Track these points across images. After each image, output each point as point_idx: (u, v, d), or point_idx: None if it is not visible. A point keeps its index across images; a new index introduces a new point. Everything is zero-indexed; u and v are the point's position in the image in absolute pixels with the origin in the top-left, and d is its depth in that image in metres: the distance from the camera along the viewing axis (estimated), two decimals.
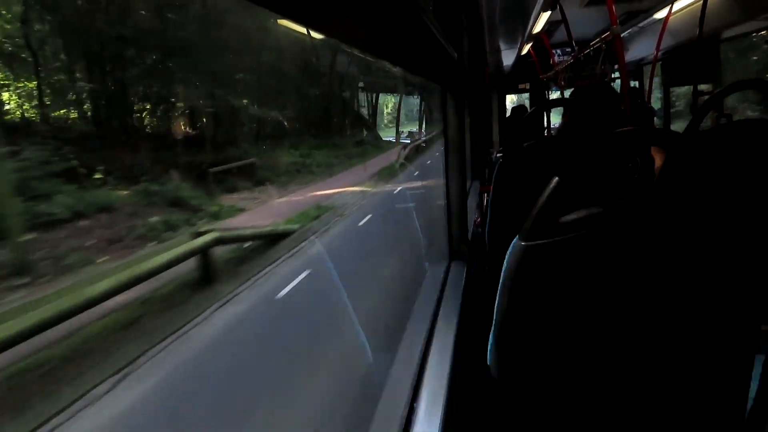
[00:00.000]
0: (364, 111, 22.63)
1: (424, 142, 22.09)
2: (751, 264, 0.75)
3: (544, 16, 4.03)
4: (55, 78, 9.63)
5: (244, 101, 13.48)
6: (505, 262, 0.80)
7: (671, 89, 5.75)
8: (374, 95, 23.42)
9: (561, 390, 0.82)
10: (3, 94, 8.74)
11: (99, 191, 7.75)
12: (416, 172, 16.52)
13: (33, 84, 9.07)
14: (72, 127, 9.16)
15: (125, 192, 8.14)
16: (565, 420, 0.83)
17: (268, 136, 14.14)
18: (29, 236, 6.04)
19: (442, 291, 1.53)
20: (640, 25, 5.14)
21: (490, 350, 0.85)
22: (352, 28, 0.54)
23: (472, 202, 2.91)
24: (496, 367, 0.84)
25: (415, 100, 27.54)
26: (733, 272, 0.76)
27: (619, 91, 5.31)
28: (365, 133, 20.84)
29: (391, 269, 7.15)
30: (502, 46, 6.01)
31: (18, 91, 8.99)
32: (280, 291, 6.51)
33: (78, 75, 9.87)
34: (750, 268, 0.76)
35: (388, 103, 28.99)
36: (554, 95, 8.49)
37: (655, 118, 5.50)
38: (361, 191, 13.51)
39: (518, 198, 1.58)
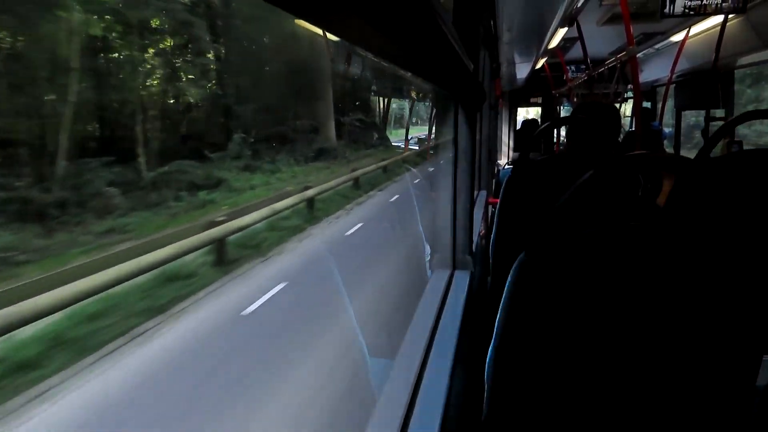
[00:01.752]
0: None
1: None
2: (756, 293, 0.75)
3: (561, 32, 4.03)
4: None
5: None
6: (509, 277, 0.80)
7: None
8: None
9: (559, 409, 0.81)
10: None
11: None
12: None
13: None
14: None
15: None
16: None
17: None
18: None
19: (443, 300, 1.52)
20: (656, 46, 5.13)
21: (489, 363, 0.85)
22: (370, 33, 0.54)
23: (478, 213, 2.91)
24: (494, 382, 0.84)
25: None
26: (736, 301, 0.75)
27: (630, 111, 5.30)
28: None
29: None
30: (517, 59, 6.02)
31: None
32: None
33: None
34: (754, 298, 0.75)
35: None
36: (567, 111, 8.49)
37: (665, 141, 5.49)
38: None
39: (525, 212, 1.58)
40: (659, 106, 5.45)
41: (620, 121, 1.76)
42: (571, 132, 1.78)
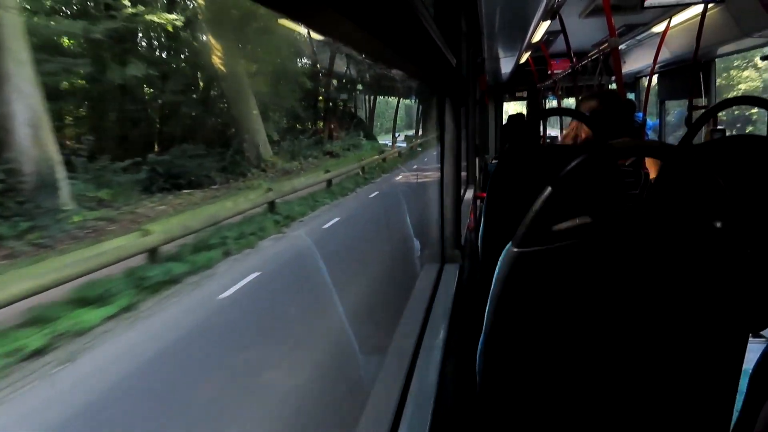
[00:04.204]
0: None
1: None
2: (741, 277, 0.76)
3: (544, 26, 4.05)
4: None
5: None
6: (497, 269, 0.80)
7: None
8: None
9: (548, 399, 0.82)
10: None
11: None
12: None
13: None
14: None
15: None
16: (552, 429, 0.83)
17: None
18: None
19: (433, 295, 1.53)
20: (638, 38, 5.18)
21: (479, 356, 0.85)
22: (351, 29, 0.54)
23: (465, 208, 2.92)
24: (485, 373, 0.84)
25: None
26: (722, 285, 0.77)
27: None
28: None
29: None
30: (501, 53, 6.04)
31: None
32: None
33: None
34: (739, 282, 0.76)
35: None
36: (551, 104, 8.54)
37: (649, 132, 5.54)
38: None
39: (512, 205, 1.59)
40: (642, 96, 5.51)
41: (629, 109, 1.72)
42: (592, 123, 1.74)
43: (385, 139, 18.22)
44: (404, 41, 0.74)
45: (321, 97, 14.90)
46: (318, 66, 14.60)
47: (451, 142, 1.90)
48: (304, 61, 14.17)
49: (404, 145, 18.63)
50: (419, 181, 14.32)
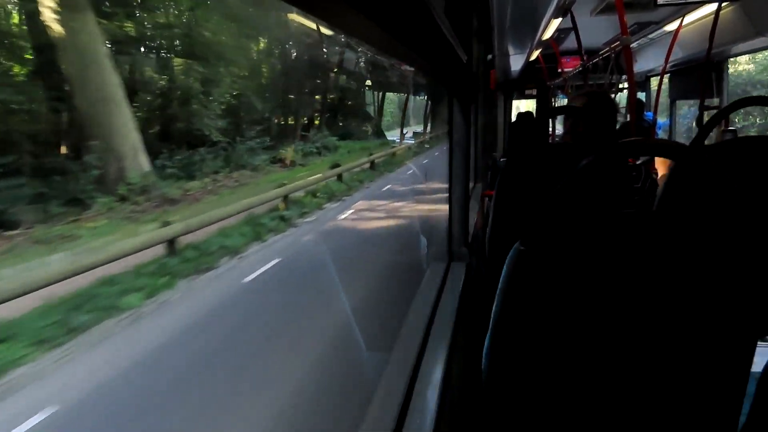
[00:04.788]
0: None
1: None
2: (750, 280, 0.75)
3: (555, 23, 4.02)
4: None
5: None
6: (504, 267, 0.80)
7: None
8: None
9: (554, 399, 0.82)
10: None
11: None
12: None
13: None
14: None
15: None
16: (557, 428, 0.83)
17: None
18: None
19: (440, 292, 1.53)
20: (650, 36, 5.13)
21: (485, 355, 0.85)
22: (364, 24, 0.54)
23: (474, 205, 2.91)
24: (490, 372, 0.84)
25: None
26: (731, 287, 0.76)
27: (626, 101, 5.33)
28: None
29: None
30: (511, 50, 6.00)
31: None
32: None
33: None
34: (749, 284, 0.75)
35: None
36: (561, 103, 8.50)
37: (659, 132, 5.50)
38: None
39: (521, 203, 1.58)
40: (653, 95, 5.46)
41: (616, 109, 1.75)
42: (569, 121, 1.77)
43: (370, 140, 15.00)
44: (416, 36, 0.74)
45: (284, 84, 11.04)
46: (281, 43, 10.98)
47: (460, 139, 1.90)
48: (263, 35, 10.13)
49: (404, 143, 16.19)
50: (386, 224, 8.83)
